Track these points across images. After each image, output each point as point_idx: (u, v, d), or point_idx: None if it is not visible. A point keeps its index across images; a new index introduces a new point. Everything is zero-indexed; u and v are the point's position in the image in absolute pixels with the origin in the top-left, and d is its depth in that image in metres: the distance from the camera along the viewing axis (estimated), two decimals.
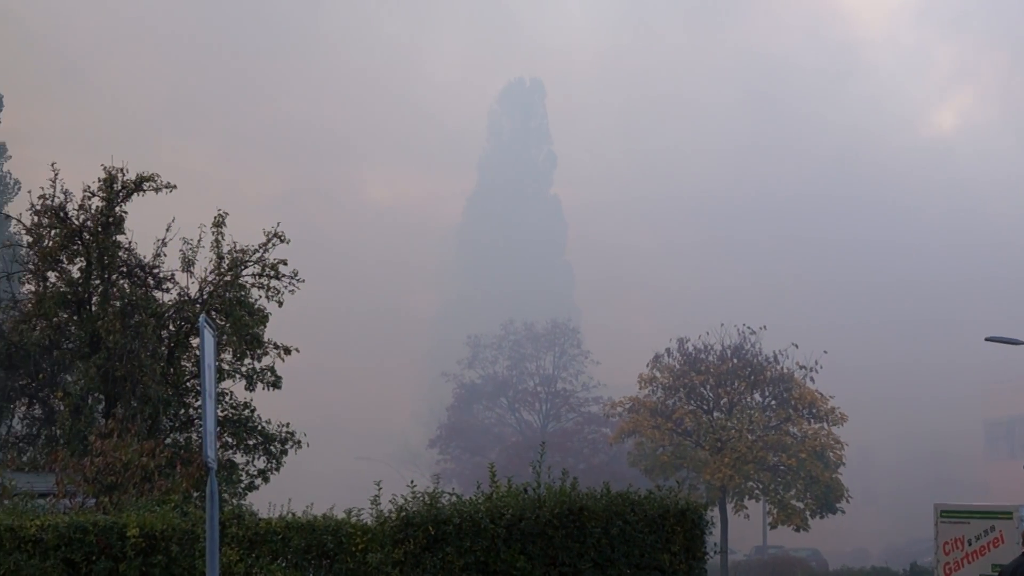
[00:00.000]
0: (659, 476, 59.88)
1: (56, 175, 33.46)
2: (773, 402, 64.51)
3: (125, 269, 34.47)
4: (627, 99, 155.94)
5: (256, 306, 34.17)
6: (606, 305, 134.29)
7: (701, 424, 63.98)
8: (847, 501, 62.26)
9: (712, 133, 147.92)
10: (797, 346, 64.21)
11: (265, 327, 34.34)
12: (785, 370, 64.20)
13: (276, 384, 34.92)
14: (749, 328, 65.49)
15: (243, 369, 34.66)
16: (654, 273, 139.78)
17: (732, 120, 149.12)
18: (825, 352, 63.96)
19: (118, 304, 33.33)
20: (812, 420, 63.56)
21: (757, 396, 65.25)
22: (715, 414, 65.13)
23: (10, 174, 72.72)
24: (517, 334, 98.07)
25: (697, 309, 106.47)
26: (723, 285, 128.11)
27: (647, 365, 67.30)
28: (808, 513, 61.78)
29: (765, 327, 65.38)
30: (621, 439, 67.84)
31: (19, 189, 71.60)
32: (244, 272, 34.30)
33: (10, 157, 73.22)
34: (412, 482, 22.21)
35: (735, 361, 64.94)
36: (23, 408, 35.05)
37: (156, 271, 34.98)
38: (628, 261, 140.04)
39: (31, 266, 34.38)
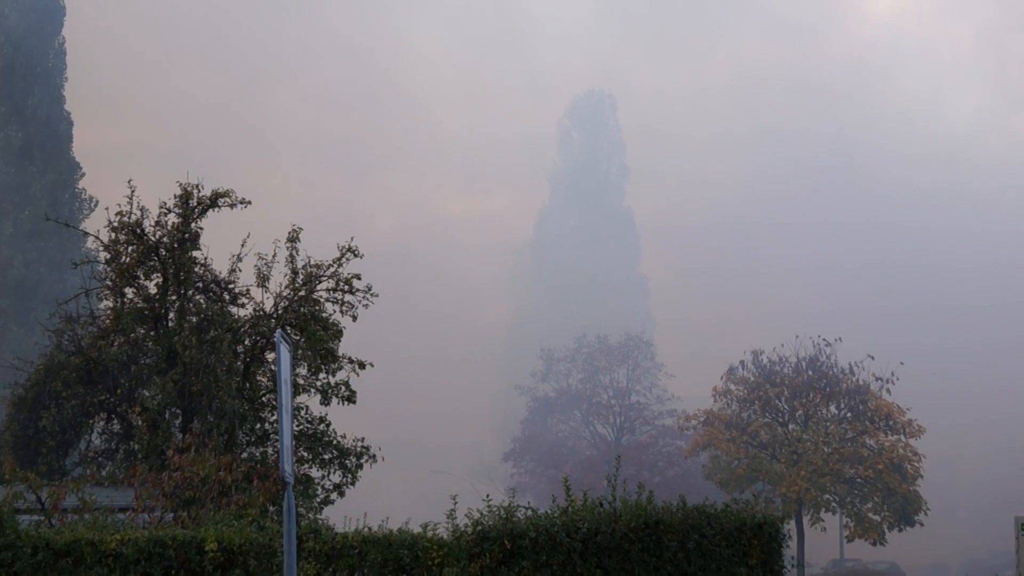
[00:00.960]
0: (734, 489, 59.50)
1: (132, 192, 33.78)
2: (849, 414, 63.94)
3: (201, 284, 34.71)
4: (700, 112, 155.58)
5: (330, 320, 34.29)
6: (680, 317, 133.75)
7: (776, 436, 63.50)
8: (925, 514, 61.55)
9: (789, 155, 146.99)
10: (873, 358, 63.64)
11: (339, 341, 34.46)
12: (861, 382, 63.65)
13: (351, 398, 35.00)
14: (824, 340, 65.03)
15: (318, 383, 34.78)
16: (728, 286, 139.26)
17: (808, 142, 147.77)
18: (902, 364, 63.41)
19: (194, 319, 33.56)
20: (889, 432, 62.93)
21: (833, 408, 64.70)
22: (790, 426, 64.64)
23: (84, 191, 73.43)
24: (591, 347, 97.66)
25: (772, 322, 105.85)
26: (798, 299, 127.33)
27: (721, 378, 66.95)
28: (886, 526, 61.10)
29: (840, 339, 64.93)
30: (696, 452, 67.38)
31: (95, 206, 72.34)
32: (318, 287, 34.45)
33: (84, 174, 73.95)
34: (488, 496, 22.18)
35: (810, 373, 64.48)
36: (102, 423, 35.36)
37: (232, 286, 35.20)
38: (701, 273, 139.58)
39: (109, 282, 34.68)
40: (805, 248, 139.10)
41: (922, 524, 62.29)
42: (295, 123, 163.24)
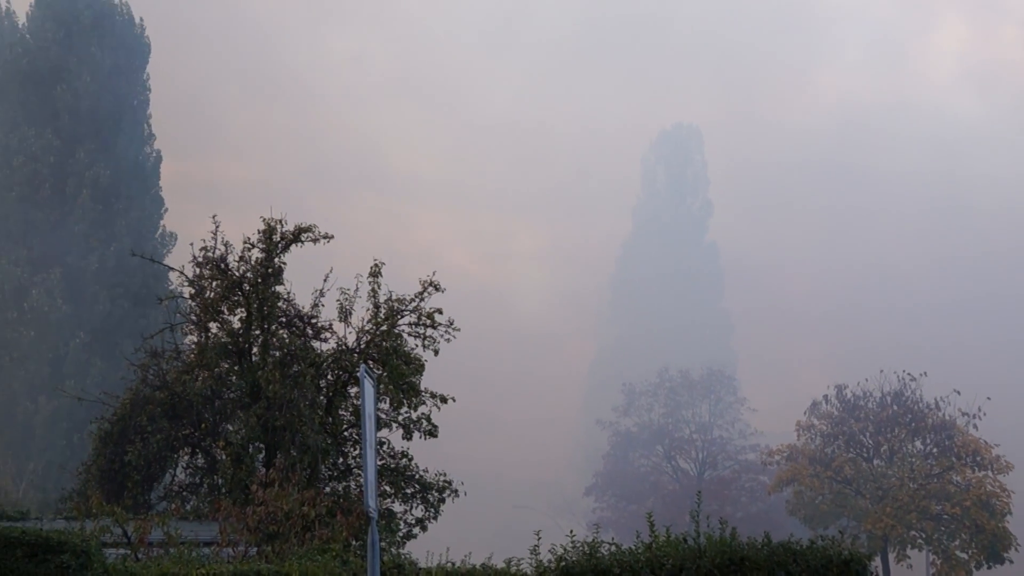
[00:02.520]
0: (819, 525, 58.99)
1: (217, 227, 34.06)
2: (935, 450, 63.22)
3: (284, 319, 34.88)
4: (786, 147, 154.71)
5: (412, 355, 34.33)
6: (763, 352, 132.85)
7: (861, 472, 62.89)
8: (1016, 551, 60.59)
9: (874, 192, 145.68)
10: (959, 392, 62.93)
11: (421, 376, 34.47)
12: (947, 417, 62.92)
13: (432, 433, 35.01)
14: (909, 375, 64.40)
15: (400, 418, 34.82)
16: (812, 321, 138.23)
17: (892, 177, 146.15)
18: (988, 399, 62.64)
19: (277, 354, 33.72)
20: (976, 468, 62.12)
21: (918, 443, 64.04)
22: (875, 462, 64.03)
23: (165, 228, 74.20)
24: (673, 381, 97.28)
25: (855, 357, 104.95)
26: (881, 334, 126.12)
27: (805, 412, 66.54)
28: (973, 564, 60.23)
29: (925, 374, 64.27)
30: (779, 487, 66.86)
31: (175, 241, 73.06)
32: (400, 321, 34.52)
33: (167, 210, 74.75)
34: (571, 532, 22.07)
35: (895, 408, 63.85)
36: (186, 457, 35.58)
37: (314, 321, 35.34)
38: (785, 308, 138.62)
39: (193, 317, 34.94)
40: (888, 283, 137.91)
41: (1012, 561, 61.33)
42: (376, 158, 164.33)
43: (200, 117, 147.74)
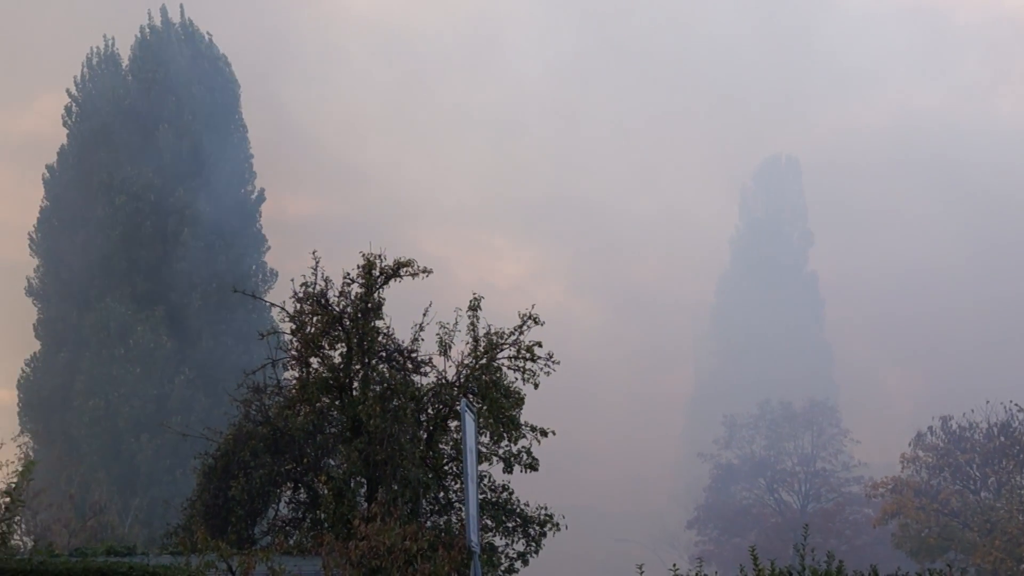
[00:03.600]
0: (926, 559, 58.23)
1: (317, 263, 34.30)
2: None
3: (384, 353, 34.99)
4: (885, 174, 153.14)
5: (512, 389, 34.29)
6: (865, 383, 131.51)
7: (968, 504, 61.98)
8: None
9: (979, 223, 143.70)
10: None
11: (521, 409, 34.42)
12: None
13: (533, 466, 34.89)
14: (1017, 405, 63.44)
15: (500, 452, 34.77)
16: (915, 351, 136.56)
17: (1011, 204, 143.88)
18: None
19: (378, 388, 33.82)
20: None
21: None
22: (983, 494, 63.06)
23: (266, 264, 74.98)
24: (774, 413, 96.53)
25: (959, 387, 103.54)
26: (985, 364, 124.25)
27: (909, 444, 65.82)
28: None
29: None
30: (885, 520, 66.09)
31: (277, 278, 73.84)
32: (499, 355, 34.51)
33: (269, 247, 75.52)
34: (674, 566, 21.91)
35: (1002, 439, 62.89)
36: (289, 492, 35.75)
37: (414, 355, 35.42)
38: (888, 339, 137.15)
39: (294, 353, 35.15)
40: (992, 316, 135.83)
41: None
42: (472, 192, 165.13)
43: (292, 152, 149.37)
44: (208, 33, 77.30)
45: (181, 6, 76.61)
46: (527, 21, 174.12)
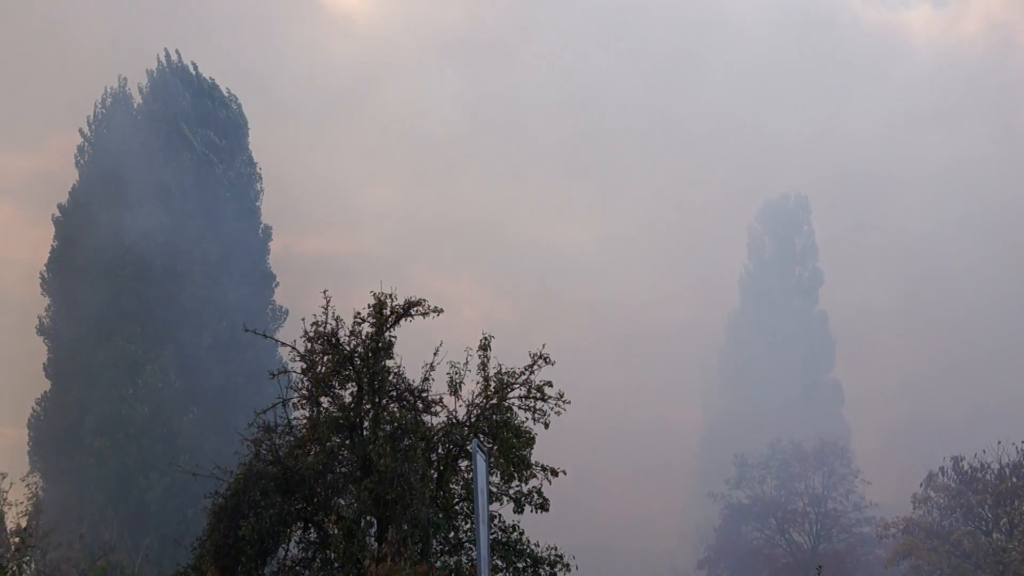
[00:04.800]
0: None
1: (328, 302, 34.35)
2: None
3: (395, 393, 34.98)
4: (892, 215, 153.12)
5: (523, 428, 34.26)
6: (875, 423, 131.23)
7: (980, 546, 61.71)
8: None
9: (996, 261, 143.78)
10: None
11: (532, 449, 34.38)
12: None
13: (543, 506, 34.84)
14: None
15: (511, 491, 34.70)
16: (925, 390, 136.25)
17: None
18: None
19: (388, 428, 33.80)
20: None
21: None
22: (995, 535, 62.78)
23: (275, 303, 75.13)
24: (785, 453, 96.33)
25: (970, 427, 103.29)
26: (998, 404, 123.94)
27: (921, 484, 65.56)
28: None
29: None
30: (896, 561, 65.86)
31: (287, 316, 73.95)
32: (510, 394, 34.50)
33: (278, 285, 75.68)
34: None
35: (1014, 480, 62.66)
36: (299, 532, 35.67)
37: (425, 394, 35.41)
38: (898, 378, 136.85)
39: (304, 392, 35.15)
40: (1006, 357, 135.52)
41: None
42: (477, 234, 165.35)
43: (298, 190, 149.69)
44: (215, 76, 77.83)
45: (184, 51, 77.34)
46: (529, 58, 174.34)
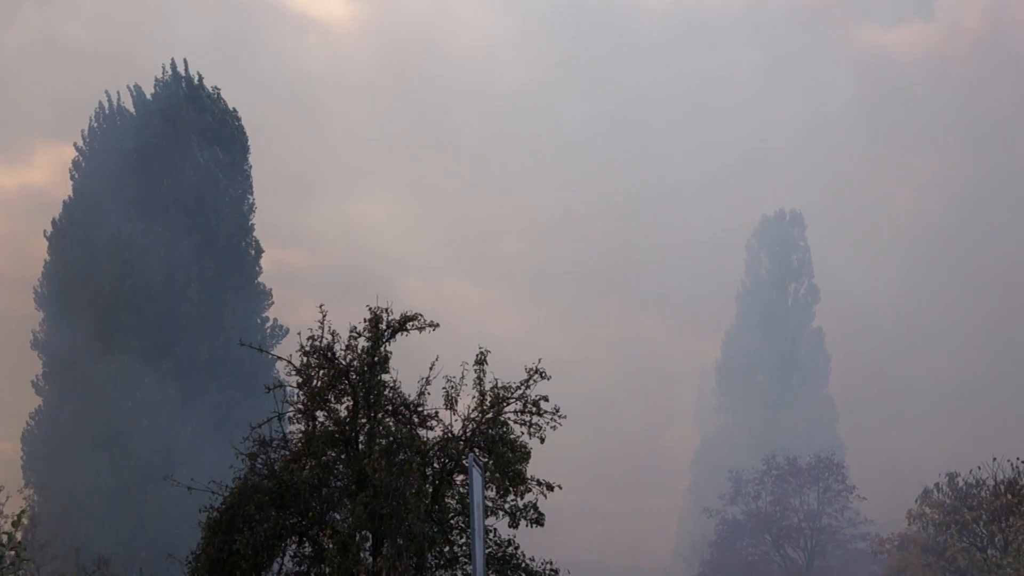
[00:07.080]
0: None
1: (324, 316, 34.38)
2: None
3: (390, 407, 34.99)
4: (891, 228, 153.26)
5: (518, 443, 34.26)
6: (871, 439, 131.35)
7: (975, 562, 61.64)
8: None
9: (989, 277, 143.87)
10: None
11: (527, 463, 34.37)
12: None
13: (539, 521, 34.81)
14: (1023, 462, 63.22)
15: (506, 506, 34.70)
16: (921, 407, 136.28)
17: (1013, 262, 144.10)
18: None
19: (384, 442, 33.80)
20: None
21: None
22: (990, 552, 62.74)
23: (271, 317, 75.14)
24: (780, 468, 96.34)
25: (967, 443, 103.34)
26: (994, 421, 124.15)
27: (916, 500, 65.49)
28: None
29: None
30: None
31: (284, 331, 73.94)
32: (506, 409, 34.51)
33: (272, 302, 75.74)
34: None
35: (1009, 497, 62.62)
36: (294, 546, 35.66)
37: (420, 409, 35.42)
38: (894, 394, 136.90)
39: (300, 406, 35.16)
40: (1001, 374, 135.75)
41: None
42: (479, 246, 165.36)
43: (297, 204, 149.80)
44: (216, 88, 77.61)
45: (185, 60, 77.09)
46: (527, 81, 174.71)
